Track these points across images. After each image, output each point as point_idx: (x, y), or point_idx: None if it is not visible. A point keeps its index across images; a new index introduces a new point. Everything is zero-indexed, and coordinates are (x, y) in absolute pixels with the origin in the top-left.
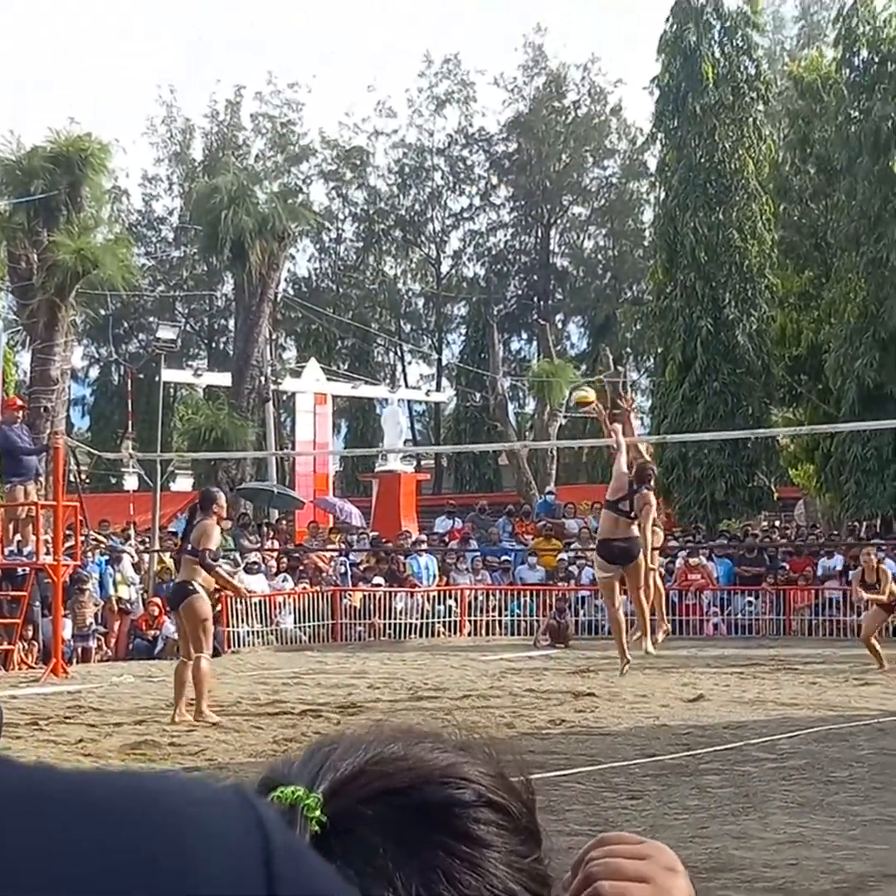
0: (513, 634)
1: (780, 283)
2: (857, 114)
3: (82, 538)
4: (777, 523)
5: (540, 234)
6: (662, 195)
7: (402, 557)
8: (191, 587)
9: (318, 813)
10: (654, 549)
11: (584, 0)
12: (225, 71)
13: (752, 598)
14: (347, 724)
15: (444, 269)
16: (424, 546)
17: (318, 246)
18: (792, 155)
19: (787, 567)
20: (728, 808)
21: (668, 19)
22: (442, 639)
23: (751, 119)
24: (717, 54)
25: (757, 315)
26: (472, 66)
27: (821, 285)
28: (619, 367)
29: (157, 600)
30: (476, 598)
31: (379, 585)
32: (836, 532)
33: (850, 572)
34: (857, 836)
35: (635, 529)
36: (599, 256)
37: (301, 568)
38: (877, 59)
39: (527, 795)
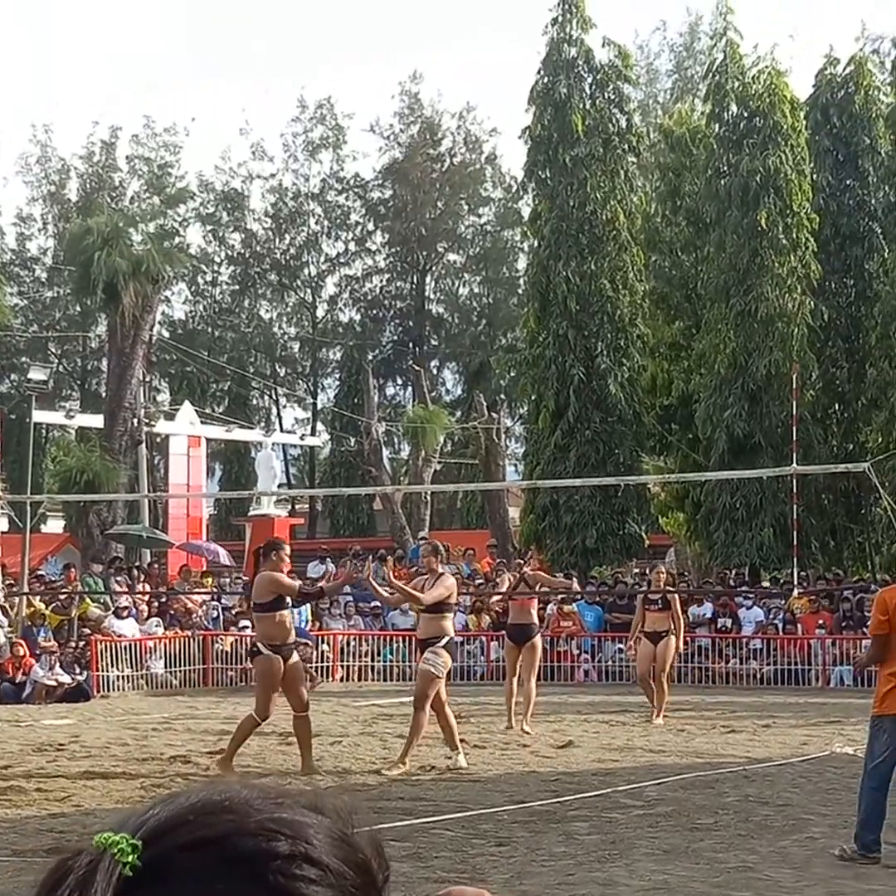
0: (385, 680)
1: (651, 333)
2: (726, 168)
3: None
4: (648, 571)
5: (415, 280)
6: (535, 244)
7: None
8: (255, 649)
9: (131, 858)
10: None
11: (459, 48)
12: (101, 112)
13: (622, 645)
14: (216, 770)
15: (320, 313)
16: None
17: (193, 288)
18: (663, 207)
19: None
20: (595, 855)
21: (539, 71)
22: (314, 684)
23: (622, 171)
24: (589, 106)
25: (628, 364)
26: (346, 111)
27: (691, 336)
28: (494, 414)
29: (24, 643)
30: (348, 643)
31: (246, 629)
32: (706, 580)
33: (719, 620)
34: (721, 884)
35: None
36: (474, 303)
37: (172, 612)
38: (746, 114)
39: (369, 857)
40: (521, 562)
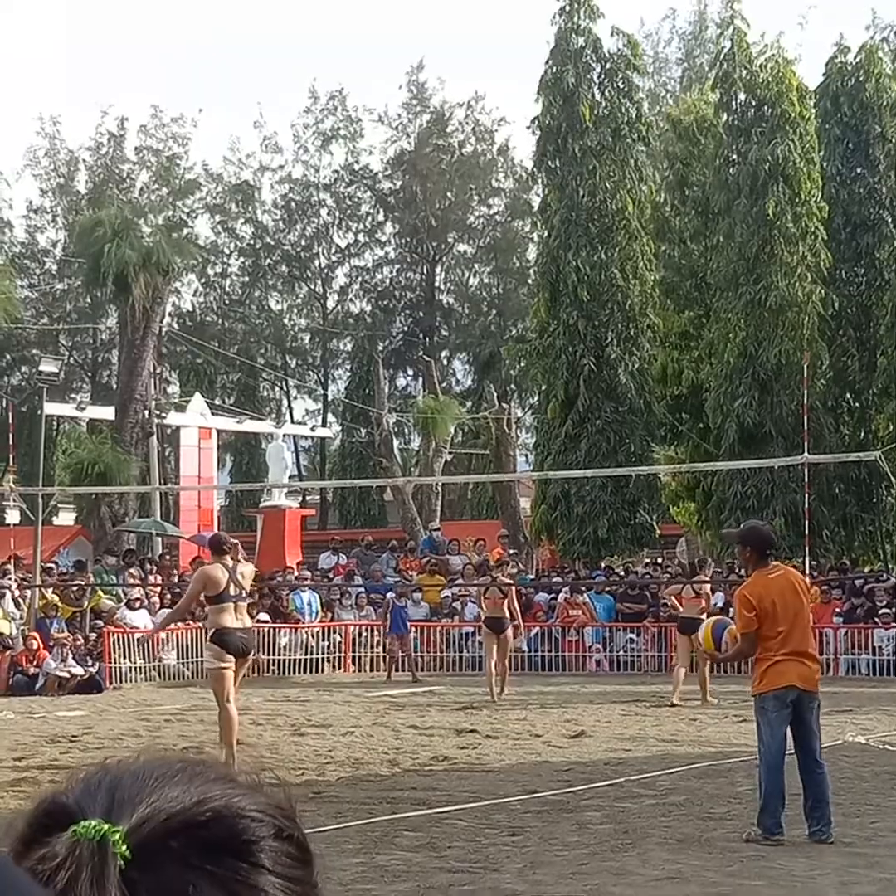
0: (397, 670)
1: (661, 322)
2: (735, 156)
3: None
4: (659, 560)
5: (425, 271)
6: (545, 234)
7: (285, 593)
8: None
9: (124, 848)
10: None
11: (467, 38)
12: (109, 103)
13: (633, 635)
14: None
15: (330, 304)
16: (308, 582)
17: (203, 280)
18: (672, 196)
19: (669, 604)
20: (608, 844)
21: (547, 61)
22: (326, 675)
23: (632, 160)
24: (598, 96)
25: (638, 354)
26: (359, 103)
27: (701, 325)
28: (504, 404)
29: (37, 635)
30: (360, 635)
31: (263, 621)
32: (717, 569)
33: (731, 610)
34: (734, 873)
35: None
36: (484, 294)
37: None
38: (754, 103)
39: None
40: (494, 573)
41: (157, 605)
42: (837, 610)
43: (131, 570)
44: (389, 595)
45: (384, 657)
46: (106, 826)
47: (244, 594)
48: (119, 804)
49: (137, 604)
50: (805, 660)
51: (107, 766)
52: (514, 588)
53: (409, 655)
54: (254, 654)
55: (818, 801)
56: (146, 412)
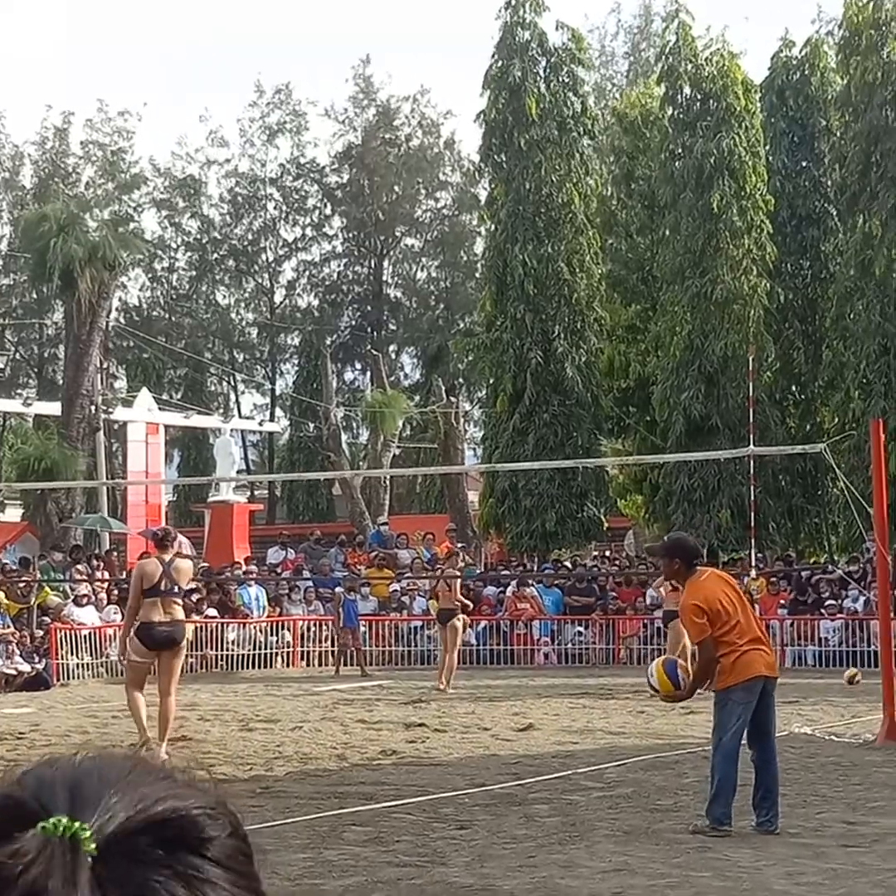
0: (346, 665)
1: (608, 315)
2: (680, 150)
3: None
4: (607, 553)
5: (373, 265)
6: (492, 228)
7: (232, 588)
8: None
9: (92, 846)
10: None
11: (413, 32)
12: (54, 97)
13: (581, 628)
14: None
15: (278, 299)
16: (255, 576)
17: (150, 275)
18: (618, 190)
19: (617, 597)
20: (555, 837)
21: (493, 55)
22: (275, 670)
23: (578, 154)
24: (543, 90)
25: (586, 347)
26: (304, 96)
27: (647, 319)
28: (452, 398)
29: None
30: (309, 629)
31: (211, 617)
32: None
33: None
34: (681, 864)
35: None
36: (432, 288)
37: None
38: (699, 97)
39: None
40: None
41: (105, 602)
42: (783, 601)
43: (78, 567)
44: (338, 589)
45: (333, 652)
46: (76, 823)
47: (176, 589)
48: (82, 801)
49: (85, 600)
50: (763, 647)
51: (55, 763)
52: (457, 581)
53: (359, 649)
54: (203, 651)
55: (768, 791)
56: (93, 408)
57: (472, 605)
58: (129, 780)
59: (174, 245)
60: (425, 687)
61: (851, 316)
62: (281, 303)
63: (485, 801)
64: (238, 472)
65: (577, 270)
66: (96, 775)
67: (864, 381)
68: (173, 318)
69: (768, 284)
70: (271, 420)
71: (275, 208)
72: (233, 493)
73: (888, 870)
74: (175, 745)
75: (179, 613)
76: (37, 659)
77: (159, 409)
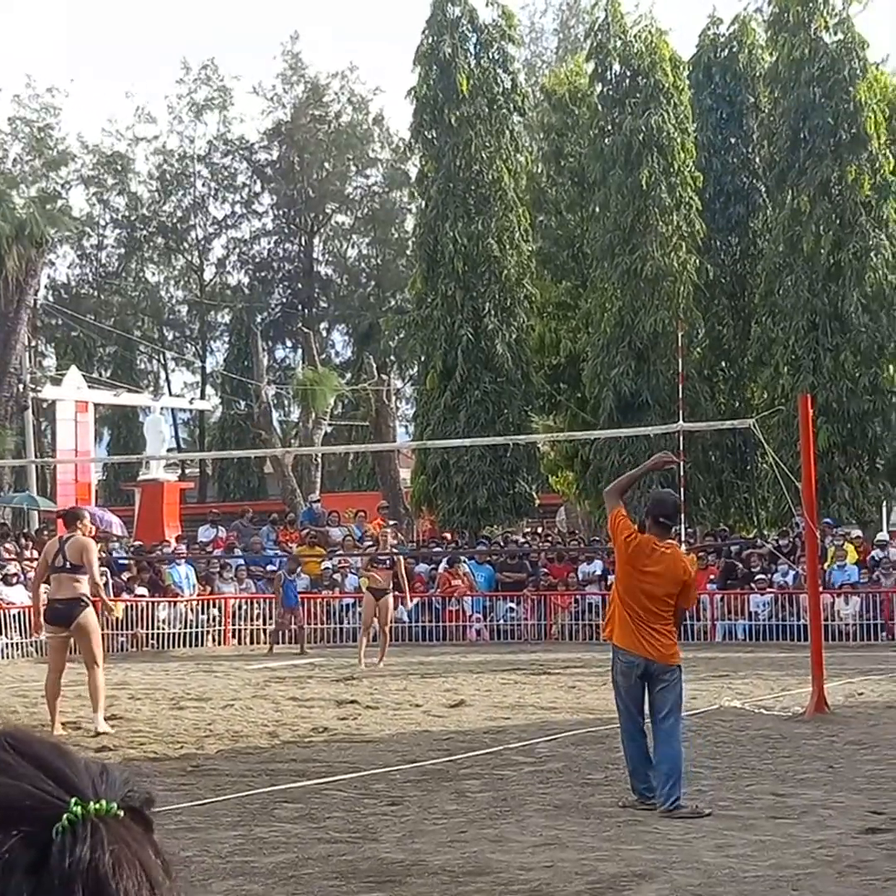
0: (278, 643)
1: (538, 292)
2: (609, 127)
3: None
4: (539, 530)
5: (304, 242)
6: (422, 205)
7: (163, 566)
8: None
9: (121, 812)
10: None
11: (341, 8)
12: None
13: (513, 604)
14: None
15: (208, 276)
16: (184, 554)
17: (78, 252)
18: (548, 167)
19: (549, 573)
20: (486, 812)
21: (423, 31)
22: (206, 648)
23: (507, 131)
24: (473, 66)
25: (516, 324)
26: (229, 72)
27: (578, 295)
28: (383, 376)
29: None
30: (240, 608)
31: (140, 595)
32: (596, 538)
33: (610, 577)
34: (611, 838)
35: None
36: (363, 265)
37: None
38: (628, 74)
39: None
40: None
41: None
42: (713, 576)
43: (7, 545)
44: (279, 570)
45: (264, 630)
46: (113, 805)
47: (68, 565)
48: (99, 783)
49: (14, 579)
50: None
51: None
52: (402, 559)
53: (302, 627)
54: (133, 629)
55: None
56: (21, 386)
57: (406, 595)
58: (96, 762)
59: (102, 222)
60: (356, 664)
61: (780, 292)
62: (211, 280)
63: (416, 777)
64: (168, 450)
65: (508, 247)
66: (81, 760)
67: (793, 356)
68: (102, 296)
69: (697, 261)
70: (202, 398)
71: (203, 186)
72: (163, 472)
73: (816, 841)
74: (111, 723)
75: (77, 591)
76: None
77: (88, 387)
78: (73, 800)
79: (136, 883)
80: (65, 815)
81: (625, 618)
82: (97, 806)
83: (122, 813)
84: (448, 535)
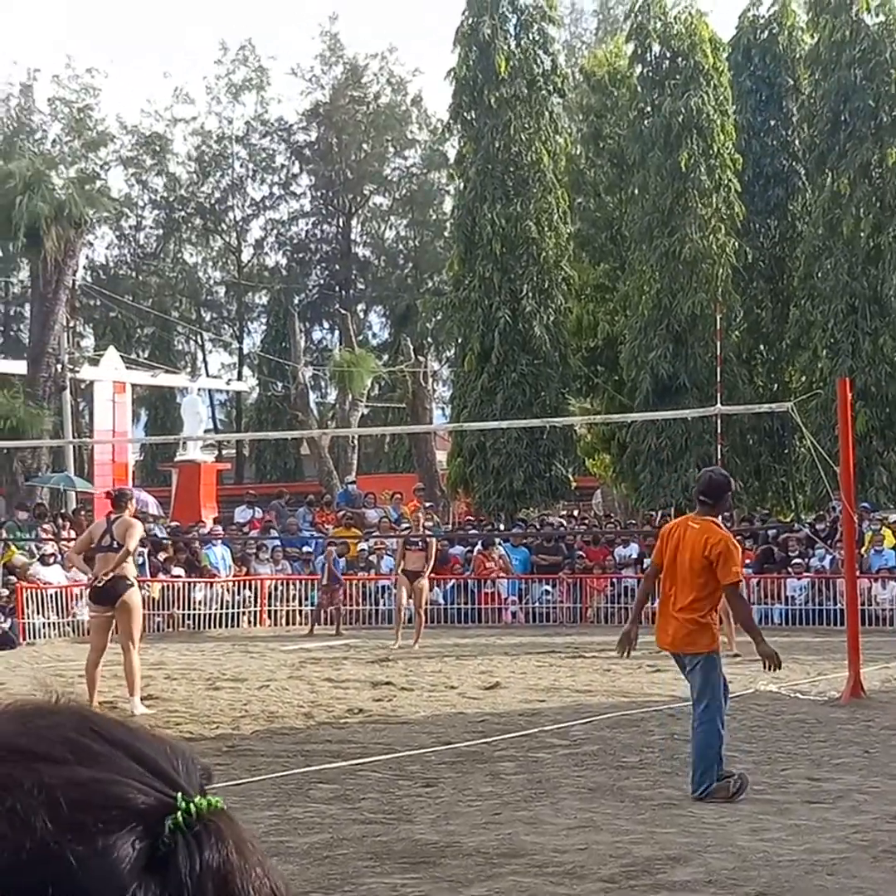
0: (318, 623)
1: (576, 275)
2: (648, 109)
3: None
4: (575, 512)
5: (341, 224)
6: (461, 186)
7: (200, 547)
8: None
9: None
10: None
11: None
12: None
13: (549, 587)
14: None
15: (245, 257)
16: (220, 535)
17: (117, 233)
18: (587, 148)
19: (584, 556)
20: (521, 794)
21: (463, 12)
22: (242, 629)
23: (547, 112)
24: (513, 47)
25: (554, 306)
26: (267, 53)
27: (616, 278)
28: (420, 358)
29: None
30: (276, 589)
31: (177, 576)
32: (632, 521)
33: (646, 561)
34: (646, 820)
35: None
36: (400, 246)
37: None
38: (668, 55)
39: None
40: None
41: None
42: (749, 560)
43: (45, 525)
44: (331, 548)
45: (300, 611)
46: (215, 800)
47: (116, 545)
48: (188, 774)
49: (51, 559)
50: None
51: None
52: (434, 541)
53: (338, 609)
54: (169, 610)
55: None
56: (59, 366)
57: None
58: (162, 739)
59: (141, 203)
60: (392, 645)
61: (819, 275)
62: (248, 261)
63: (451, 759)
64: (205, 431)
65: (546, 229)
66: (166, 743)
67: (832, 340)
68: (140, 277)
69: (736, 243)
70: (239, 379)
71: (241, 167)
72: (200, 453)
73: (851, 826)
74: (147, 703)
75: (124, 570)
76: (2, 618)
77: (126, 367)
78: (179, 795)
79: (258, 877)
80: (178, 813)
81: (659, 610)
82: (205, 802)
83: (225, 807)
84: (483, 518)
